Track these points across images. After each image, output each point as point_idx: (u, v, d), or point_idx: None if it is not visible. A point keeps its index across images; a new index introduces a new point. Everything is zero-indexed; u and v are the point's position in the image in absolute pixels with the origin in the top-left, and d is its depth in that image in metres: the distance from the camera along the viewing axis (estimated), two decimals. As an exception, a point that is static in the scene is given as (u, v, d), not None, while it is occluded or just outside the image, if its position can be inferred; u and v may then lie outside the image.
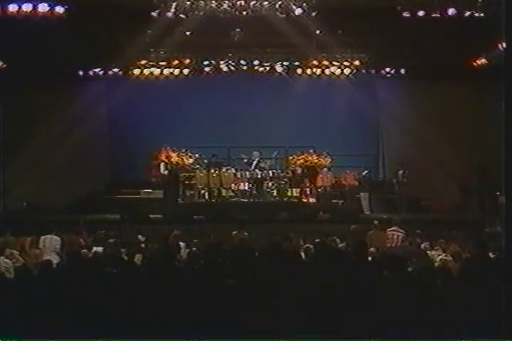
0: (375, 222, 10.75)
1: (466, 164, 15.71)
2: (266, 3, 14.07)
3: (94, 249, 9.37)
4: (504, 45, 5.58)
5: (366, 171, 16.07)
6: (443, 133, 16.32)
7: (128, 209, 14.58)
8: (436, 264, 8.21)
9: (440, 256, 8.51)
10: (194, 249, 9.16)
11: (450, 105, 16.52)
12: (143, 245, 9.92)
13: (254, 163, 15.81)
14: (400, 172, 15.76)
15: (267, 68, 17.40)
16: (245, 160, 15.75)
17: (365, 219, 14.31)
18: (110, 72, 17.10)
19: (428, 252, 8.96)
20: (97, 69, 17.00)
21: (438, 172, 16.23)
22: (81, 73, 16.94)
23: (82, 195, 16.47)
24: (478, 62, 15.50)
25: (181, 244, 9.80)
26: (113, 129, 18.07)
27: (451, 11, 13.32)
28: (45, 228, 10.37)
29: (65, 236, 10.13)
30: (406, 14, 13.69)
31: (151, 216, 14.34)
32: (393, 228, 10.19)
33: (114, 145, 18.08)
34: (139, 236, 10.82)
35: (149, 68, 17.15)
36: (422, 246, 9.50)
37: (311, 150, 16.38)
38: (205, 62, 17.24)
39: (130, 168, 17.30)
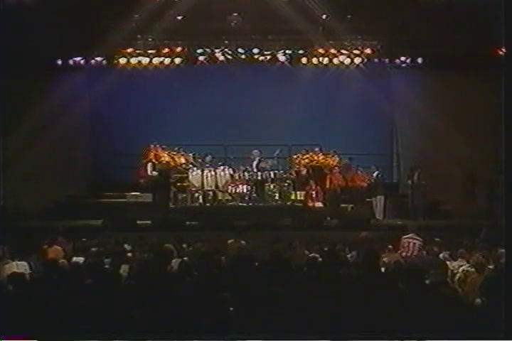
0: (390, 247, 10.50)
1: (492, 164, 15.67)
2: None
3: (74, 259, 9.36)
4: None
5: (377, 172, 16.06)
6: (465, 130, 16.29)
7: (112, 214, 14.57)
8: (457, 276, 8.22)
9: (462, 267, 8.49)
10: (186, 258, 9.15)
11: (473, 99, 16.47)
12: (129, 254, 9.90)
13: (255, 163, 15.81)
14: (416, 173, 15.75)
15: (268, 57, 17.40)
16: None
17: (378, 226, 14.34)
18: (92, 61, 17.09)
19: (448, 262, 8.95)
20: (77, 58, 17.00)
21: (459, 174, 16.21)
22: (59, 62, 16.92)
23: (60, 198, 16.45)
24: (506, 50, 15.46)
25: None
26: (96, 125, 18.06)
27: (475, -7, 13.33)
28: (19, 237, 10.34)
29: (38, 253, 9.96)
30: (424, -4, 13.71)
31: (139, 222, 14.33)
32: (409, 235, 10.16)
33: (96, 142, 18.07)
34: (125, 245, 10.80)
35: (136, 57, 17.15)
36: (441, 255, 9.49)
37: (316, 149, 16.37)
38: (199, 51, 17.24)
39: (115, 168, 17.29)
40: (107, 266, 8.07)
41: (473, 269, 8.26)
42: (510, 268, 5.08)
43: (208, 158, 15.92)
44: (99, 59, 17.07)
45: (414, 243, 10.05)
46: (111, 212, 14.85)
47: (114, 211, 14.98)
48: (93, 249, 10.16)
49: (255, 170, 15.63)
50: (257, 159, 15.88)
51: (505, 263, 5.11)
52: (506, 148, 5.31)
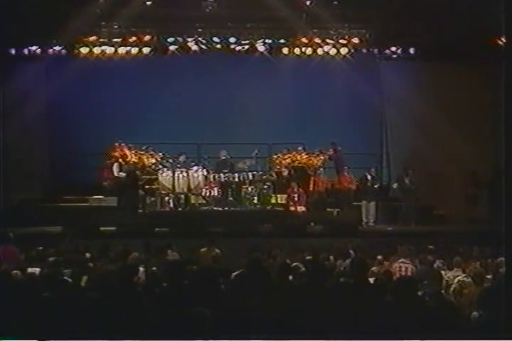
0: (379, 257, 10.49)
1: (492, 165, 15.80)
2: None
3: (30, 269, 9.27)
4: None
5: (373, 175, 16.15)
6: (463, 127, 16.41)
7: (72, 219, 14.52)
8: (452, 287, 8.27)
9: (458, 278, 8.55)
10: (155, 268, 9.13)
11: (471, 92, 16.60)
12: (91, 264, 9.84)
13: (220, 163, 15.85)
14: (407, 175, 15.84)
15: (246, 47, 17.44)
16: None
17: (366, 232, 14.41)
18: (50, 51, 16.98)
19: (442, 272, 9.01)
20: (33, 47, 16.86)
21: (456, 175, 16.32)
22: (13, 52, 16.78)
23: (13, 202, 16.31)
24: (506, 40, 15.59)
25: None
26: (54, 121, 17.92)
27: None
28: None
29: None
30: (416, -19, 13.80)
31: (102, 228, 14.29)
32: (400, 260, 9.96)
33: (55, 140, 17.92)
34: (87, 254, 10.74)
35: (100, 46, 17.07)
36: (435, 265, 9.55)
37: (299, 148, 16.43)
38: (170, 40, 17.22)
39: (75, 168, 17.20)
40: (66, 278, 8.02)
41: (469, 280, 8.32)
42: (510, 278, 5.12)
43: (182, 158, 15.90)
44: (57, 48, 16.96)
45: (407, 267, 9.95)
46: (71, 217, 14.79)
47: (74, 216, 14.93)
48: (50, 259, 10.07)
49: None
50: (223, 158, 15.88)
51: (505, 272, 5.15)
52: (506, 146, 5.35)
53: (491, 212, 15.69)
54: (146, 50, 17.22)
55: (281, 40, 17.40)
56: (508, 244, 5.32)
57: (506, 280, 5.06)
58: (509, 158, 5.49)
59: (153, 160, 16.02)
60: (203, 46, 17.34)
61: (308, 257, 9.82)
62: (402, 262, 9.82)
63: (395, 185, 16.36)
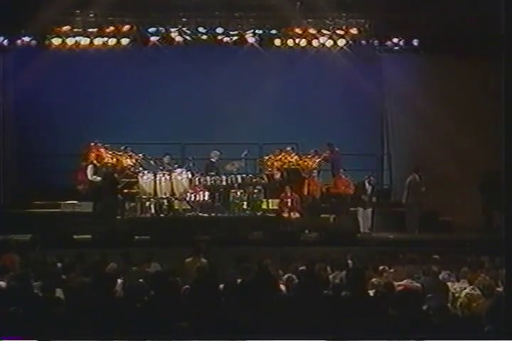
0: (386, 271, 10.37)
1: (503, 166, 15.83)
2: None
3: (-5, 282, 9.25)
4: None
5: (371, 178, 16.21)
6: (471, 126, 16.45)
7: (43, 227, 14.43)
8: (459, 300, 8.30)
9: (465, 290, 8.58)
10: (137, 281, 9.12)
11: (480, 88, 16.61)
12: (64, 276, 9.82)
13: (215, 166, 15.86)
14: (417, 178, 15.85)
15: (235, 38, 17.44)
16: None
17: (366, 240, 14.43)
18: (19, 42, 16.92)
19: (449, 284, 9.04)
20: (0, 38, 16.81)
21: (463, 178, 16.36)
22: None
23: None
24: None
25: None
26: (23, 119, 17.87)
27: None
28: None
29: None
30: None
31: (76, 236, 14.25)
32: (404, 281, 9.82)
33: (23, 141, 17.87)
34: (59, 265, 10.71)
35: (74, 37, 17.04)
36: (441, 276, 9.57)
37: (288, 148, 16.42)
38: (151, 30, 17.21)
39: (47, 171, 17.15)
40: (36, 291, 8.00)
41: (478, 292, 8.34)
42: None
43: (166, 159, 15.90)
44: (27, 39, 16.89)
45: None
46: (42, 224, 14.71)
47: (45, 223, 14.83)
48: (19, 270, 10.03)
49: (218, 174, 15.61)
50: (215, 159, 15.88)
51: (505, 282, 5.18)
52: (506, 146, 5.36)
53: (499, 218, 15.75)
54: (124, 41, 17.19)
55: (273, 31, 17.41)
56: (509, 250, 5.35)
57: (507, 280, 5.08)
58: (509, 158, 5.48)
59: (133, 162, 16.00)
60: (188, 37, 17.32)
61: (302, 267, 9.84)
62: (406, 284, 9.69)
63: (409, 189, 16.18)
